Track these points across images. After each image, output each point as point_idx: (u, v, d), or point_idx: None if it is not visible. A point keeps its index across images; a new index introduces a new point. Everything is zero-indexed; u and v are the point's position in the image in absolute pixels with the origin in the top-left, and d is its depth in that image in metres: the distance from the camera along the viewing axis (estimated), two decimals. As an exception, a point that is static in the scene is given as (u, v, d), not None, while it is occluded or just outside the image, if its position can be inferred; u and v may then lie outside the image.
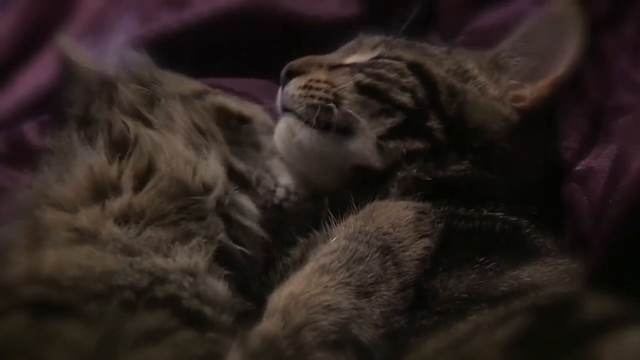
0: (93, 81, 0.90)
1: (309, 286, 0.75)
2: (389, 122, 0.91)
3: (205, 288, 0.76)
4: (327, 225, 0.87)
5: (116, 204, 0.79)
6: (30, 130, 1.15)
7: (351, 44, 1.04)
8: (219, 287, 0.77)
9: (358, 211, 0.86)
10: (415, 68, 0.95)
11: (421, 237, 0.83)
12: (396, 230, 0.83)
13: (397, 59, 0.96)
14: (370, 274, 0.77)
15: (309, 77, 0.96)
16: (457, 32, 1.24)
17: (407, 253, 0.81)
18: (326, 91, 0.93)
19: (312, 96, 0.93)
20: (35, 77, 1.24)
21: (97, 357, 0.66)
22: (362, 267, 0.78)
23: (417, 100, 0.92)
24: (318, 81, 0.95)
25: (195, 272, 0.76)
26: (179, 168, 0.84)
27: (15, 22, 1.29)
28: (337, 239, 0.82)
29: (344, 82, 0.94)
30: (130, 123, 0.86)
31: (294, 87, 0.96)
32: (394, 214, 0.85)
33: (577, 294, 0.79)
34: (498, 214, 0.89)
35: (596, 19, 1.07)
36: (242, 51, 1.05)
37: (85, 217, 0.77)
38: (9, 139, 1.15)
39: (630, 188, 0.82)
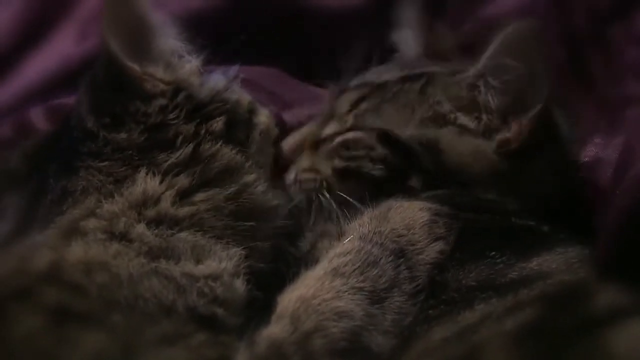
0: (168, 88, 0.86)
1: (321, 290, 0.74)
2: (371, 189, 0.92)
3: (224, 290, 0.74)
4: (340, 221, 0.86)
5: (152, 212, 0.78)
6: (36, 115, 1.14)
7: (326, 109, 1.03)
8: (237, 286, 0.76)
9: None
10: (384, 138, 0.94)
11: (435, 240, 0.82)
12: (410, 232, 0.82)
13: (366, 131, 0.96)
14: (384, 279, 0.77)
15: (295, 167, 0.99)
16: (466, 20, 1.23)
17: (420, 257, 0.80)
18: (314, 180, 0.96)
19: (305, 188, 0.96)
20: (42, 62, 1.24)
21: None
22: (375, 271, 0.77)
23: (390, 168, 0.93)
24: (304, 170, 0.98)
25: (219, 276, 0.75)
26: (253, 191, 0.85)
27: (21, 9, 1.28)
28: (352, 239, 0.81)
29: (326, 168, 0.97)
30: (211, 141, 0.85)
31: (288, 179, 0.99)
32: (408, 215, 0.84)
33: (587, 283, 0.78)
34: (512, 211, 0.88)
35: (604, 10, 1.07)
36: (251, 39, 1.05)
37: (123, 223, 0.76)
38: (15, 124, 1.15)
39: (637, 179, 0.81)
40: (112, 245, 0.74)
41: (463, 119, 0.94)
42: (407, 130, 0.94)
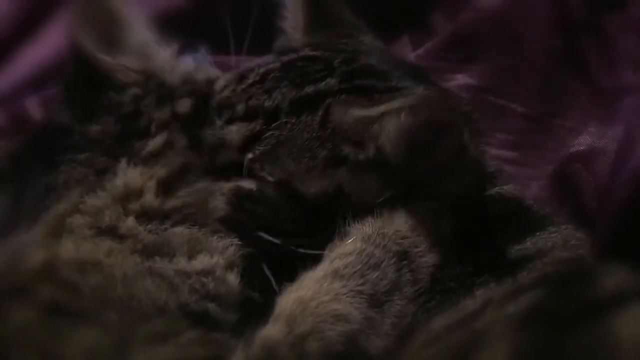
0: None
1: (319, 292, 0.72)
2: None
3: (217, 285, 0.73)
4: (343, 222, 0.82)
5: (137, 205, 0.77)
6: (32, 104, 1.14)
7: None
8: (230, 280, 0.75)
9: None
10: (282, 186, 0.82)
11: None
12: (415, 234, 0.79)
13: (265, 183, 0.82)
14: (385, 282, 0.75)
15: None
16: (461, 9, 1.22)
17: (424, 259, 0.78)
18: None
19: None
20: (37, 53, 1.23)
21: (104, 358, 0.65)
22: (376, 274, 0.75)
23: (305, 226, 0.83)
24: None
25: (212, 271, 0.74)
26: None
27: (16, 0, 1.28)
28: (354, 241, 0.78)
29: None
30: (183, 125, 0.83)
31: None
32: (413, 216, 0.80)
33: (590, 264, 0.77)
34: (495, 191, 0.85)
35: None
36: (243, 28, 1.04)
37: (108, 217, 0.75)
38: (11, 113, 1.15)
39: (636, 169, 0.82)
40: (103, 242, 0.73)
41: (356, 154, 0.82)
42: (313, 185, 0.82)
